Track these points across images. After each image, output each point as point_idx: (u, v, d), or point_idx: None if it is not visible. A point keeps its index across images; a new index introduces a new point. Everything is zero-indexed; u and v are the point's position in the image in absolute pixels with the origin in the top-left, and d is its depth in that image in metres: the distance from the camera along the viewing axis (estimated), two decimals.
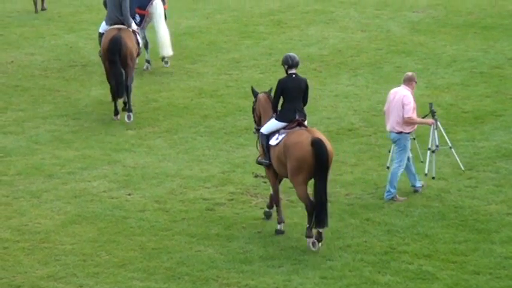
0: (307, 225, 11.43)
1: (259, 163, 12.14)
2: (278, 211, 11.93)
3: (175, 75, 17.66)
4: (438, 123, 12.89)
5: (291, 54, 11.94)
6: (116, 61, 15.56)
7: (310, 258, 11.09)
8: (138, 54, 16.44)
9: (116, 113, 15.69)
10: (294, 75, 11.79)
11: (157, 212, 12.30)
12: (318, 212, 11.32)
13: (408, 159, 12.70)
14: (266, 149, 11.85)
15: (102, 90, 16.80)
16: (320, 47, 19.40)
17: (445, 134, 13.00)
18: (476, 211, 12.26)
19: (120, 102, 15.78)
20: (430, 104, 13.06)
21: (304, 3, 22.78)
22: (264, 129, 11.87)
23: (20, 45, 19.52)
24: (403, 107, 12.47)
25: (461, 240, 11.45)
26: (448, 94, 16.67)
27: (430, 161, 12.87)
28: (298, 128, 11.64)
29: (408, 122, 12.50)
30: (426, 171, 12.83)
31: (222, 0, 23.06)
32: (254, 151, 14.15)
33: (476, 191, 12.83)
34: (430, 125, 12.86)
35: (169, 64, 18.13)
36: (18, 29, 20.63)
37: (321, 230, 11.34)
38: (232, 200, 12.68)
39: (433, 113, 12.87)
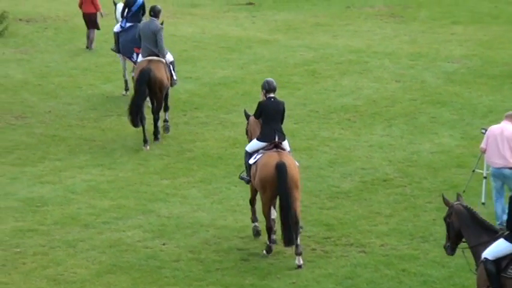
0: (267, 242, 12.59)
1: (241, 179, 13.27)
2: (252, 211, 13.08)
3: (210, 125, 17.76)
4: None
5: (269, 79, 13.02)
6: (142, 92, 16.39)
7: None
8: (171, 85, 17.21)
9: (145, 142, 16.52)
10: (272, 99, 12.83)
11: (191, 262, 12.32)
12: (283, 231, 12.28)
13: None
14: (247, 166, 12.84)
15: (137, 140, 16.93)
16: (354, 97, 19.45)
17: None
18: None
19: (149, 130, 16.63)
20: None
21: (338, 53, 22.90)
22: (248, 148, 12.99)
23: (58, 95, 19.73)
24: None
25: None
26: None
27: None
28: (273, 150, 12.59)
29: None
30: None
31: (257, 50, 23.25)
32: None
33: None
34: None
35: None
36: (55, 79, 20.89)
37: (297, 243, 12.19)
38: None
39: None
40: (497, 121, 17.91)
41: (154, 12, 17.15)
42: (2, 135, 17.30)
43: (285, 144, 12.88)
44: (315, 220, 13.56)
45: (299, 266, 12.18)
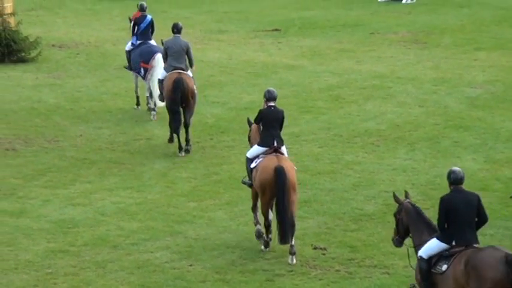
0: (264, 237, 13.27)
1: (244, 183, 13.83)
2: (254, 216, 13.53)
3: (236, 148, 17.83)
4: None
5: (270, 89, 13.68)
6: (177, 100, 17.15)
7: None
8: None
9: (180, 149, 17.39)
10: (272, 107, 13.43)
11: (218, 283, 12.36)
12: (279, 230, 12.86)
13: None
14: (249, 171, 13.37)
15: (165, 163, 17.04)
16: (378, 121, 19.46)
17: None
18: None
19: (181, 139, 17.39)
20: None
21: (362, 79, 22.93)
22: (249, 154, 13.57)
23: (89, 119, 19.88)
24: None
25: None
26: (508, 169, 16.56)
27: None
28: (273, 154, 13.15)
29: None
30: None
31: (282, 76, 23.34)
32: (312, 223, 14.23)
33: None
34: None
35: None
36: (87, 103, 21.05)
37: (291, 243, 12.81)
38: (291, 271, 12.68)
39: None
40: None
41: (178, 29, 17.83)
42: (35, 158, 17.45)
43: (283, 149, 13.49)
44: (339, 242, 13.57)
45: (291, 264, 12.80)
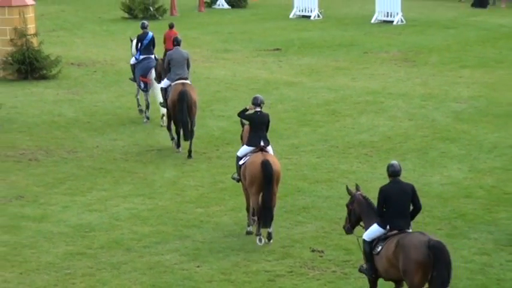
0: (256, 227, 13.61)
1: (233, 178, 14.42)
2: (248, 216, 13.96)
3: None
4: None
5: (257, 95, 14.16)
6: (184, 110, 17.54)
7: None
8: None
9: (178, 145, 18.08)
10: (259, 112, 13.89)
11: (223, 283, 12.35)
12: (263, 216, 13.40)
13: None
14: (238, 167, 13.93)
15: (175, 172, 17.04)
16: (371, 134, 19.46)
17: None
18: None
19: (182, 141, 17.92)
20: None
21: (356, 94, 22.95)
22: (239, 152, 14.01)
23: (104, 131, 19.90)
24: None
25: None
26: (490, 177, 16.55)
27: None
28: (259, 152, 13.62)
29: None
30: None
31: (283, 91, 23.36)
32: (311, 228, 14.23)
33: None
34: None
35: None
36: (103, 117, 21.08)
37: (269, 230, 13.46)
38: (291, 272, 12.68)
39: None
40: (501, 156, 17.92)
41: (178, 42, 18.51)
42: (55, 167, 17.47)
43: (269, 149, 13.91)
44: (335, 245, 13.56)
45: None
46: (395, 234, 10.74)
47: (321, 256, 13.06)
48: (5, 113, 21.15)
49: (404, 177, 16.55)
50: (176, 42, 18.49)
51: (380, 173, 16.87)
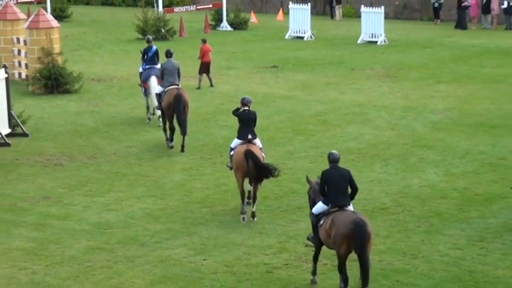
0: (241, 207, 14.31)
1: (227, 166, 15.17)
2: (241, 204, 14.40)
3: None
4: None
5: (245, 96, 14.85)
6: (181, 109, 18.11)
7: None
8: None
9: (171, 140, 18.59)
10: (246, 110, 14.58)
11: (226, 274, 12.33)
12: (253, 197, 14.20)
13: None
14: (230, 156, 14.68)
15: (183, 176, 17.02)
16: (357, 142, 19.45)
17: None
18: (486, 275, 12.08)
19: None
20: None
21: (344, 106, 22.95)
22: (232, 144, 14.77)
23: (121, 139, 19.89)
24: None
25: None
26: (463, 180, 16.54)
27: None
28: (246, 144, 14.27)
29: None
30: None
31: (279, 104, 23.36)
32: (304, 225, 14.19)
33: (486, 259, 12.66)
34: None
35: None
36: (119, 127, 21.06)
37: (253, 210, 14.19)
38: (287, 264, 12.65)
39: None
40: (472, 161, 17.91)
41: (170, 54, 19.13)
42: (78, 171, 17.46)
43: (257, 141, 14.56)
44: None
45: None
46: (335, 211, 11.33)
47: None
48: (33, 123, 21.15)
49: (387, 179, 16.71)
50: (169, 55, 19.07)
51: (366, 176, 16.88)
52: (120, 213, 14.93)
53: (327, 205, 11.50)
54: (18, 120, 20.30)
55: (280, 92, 24.97)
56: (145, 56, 21.24)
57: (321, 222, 11.46)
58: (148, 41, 21.63)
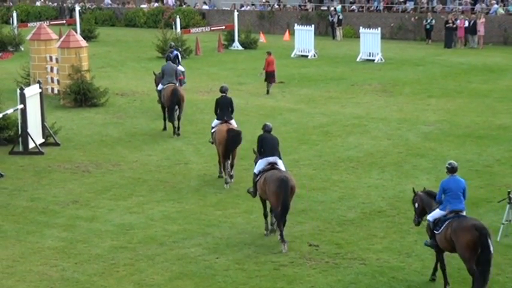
0: (220, 170, 16.62)
1: (209, 141, 17.03)
2: (219, 167, 16.73)
3: (251, 171, 17.53)
4: None
5: (223, 84, 16.85)
6: (175, 102, 20.18)
7: None
8: (180, 84, 21.96)
9: (165, 128, 20.96)
10: (223, 96, 16.49)
11: (237, 271, 12.30)
12: (228, 168, 16.06)
13: None
14: (212, 134, 16.48)
15: (198, 181, 17.00)
16: (357, 150, 19.42)
17: None
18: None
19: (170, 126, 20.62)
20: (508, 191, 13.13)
21: (345, 118, 22.93)
22: (212, 124, 16.57)
23: (142, 148, 19.92)
24: None
25: None
26: None
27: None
28: (224, 124, 16.21)
29: None
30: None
31: (286, 116, 23.35)
32: (308, 227, 14.17)
33: None
34: None
35: None
36: (140, 137, 21.08)
37: (231, 173, 16.10)
38: (292, 262, 12.61)
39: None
40: (461, 168, 17.69)
41: (170, 59, 22.09)
42: (103, 177, 17.48)
43: (232, 122, 16.36)
44: (328, 240, 13.50)
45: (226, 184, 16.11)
46: (268, 170, 13.00)
47: (317, 249, 12.99)
48: (64, 133, 21.22)
49: (383, 185, 16.65)
50: (169, 58, 22.14)
51: (364, 182, 16.85)
52: (141, 216, 14.93)
53: (264, 159, 13.16)
54: (50, 131, 20.40)
55: (287, 106, 24.97)
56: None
57: (261, 178, 12.91)
58: (171, 46, 23.96)
